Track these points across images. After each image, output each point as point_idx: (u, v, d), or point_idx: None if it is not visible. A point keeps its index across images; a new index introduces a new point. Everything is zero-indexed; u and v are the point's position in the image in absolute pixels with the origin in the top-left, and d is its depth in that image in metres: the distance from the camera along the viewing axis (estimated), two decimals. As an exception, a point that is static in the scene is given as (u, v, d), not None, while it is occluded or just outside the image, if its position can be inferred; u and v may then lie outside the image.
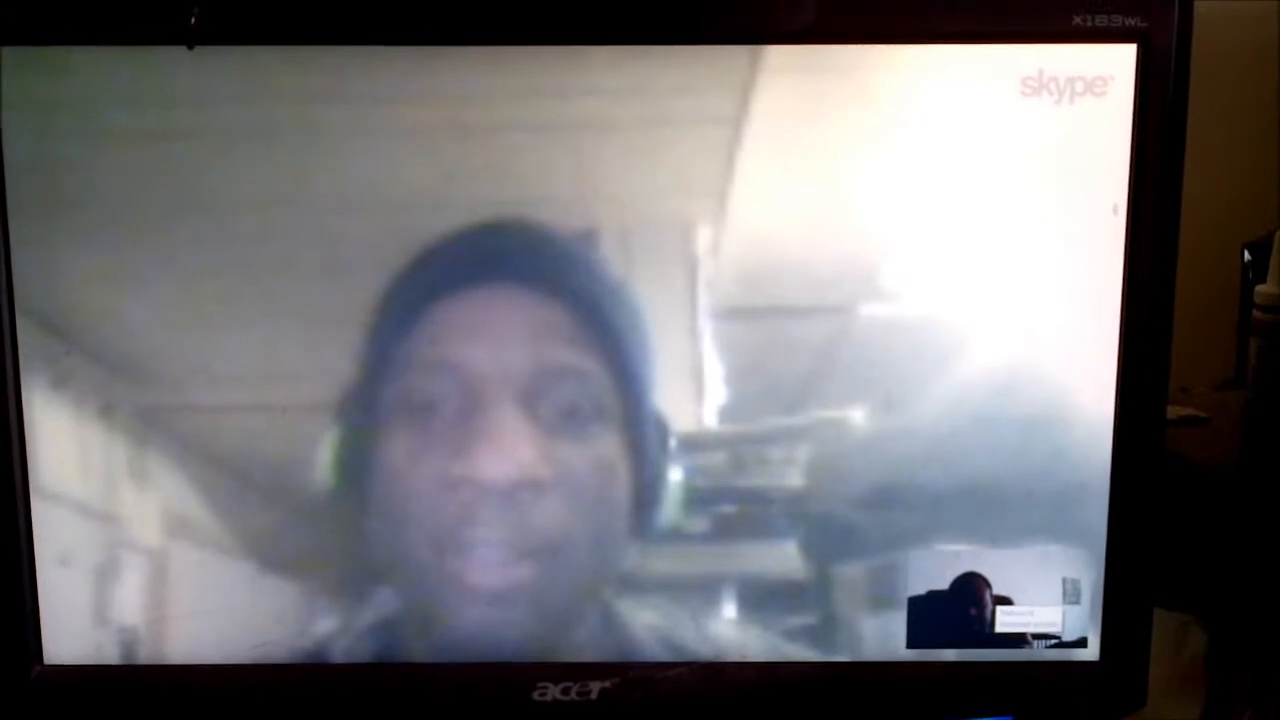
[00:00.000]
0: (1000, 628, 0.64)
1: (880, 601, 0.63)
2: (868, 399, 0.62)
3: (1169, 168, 0.60)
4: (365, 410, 0.61)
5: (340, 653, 0.63)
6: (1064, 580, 0.63)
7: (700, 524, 0.63)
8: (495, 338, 0.61)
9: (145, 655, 0.63)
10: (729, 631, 0.64)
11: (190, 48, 0.58)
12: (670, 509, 0.63)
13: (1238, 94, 0.97)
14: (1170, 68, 0.59)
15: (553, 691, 0.63)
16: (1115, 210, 0.60)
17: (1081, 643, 0.64)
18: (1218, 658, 0.75)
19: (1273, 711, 0.72)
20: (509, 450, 0.61)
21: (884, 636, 0.64)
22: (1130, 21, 0.58)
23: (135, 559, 0.62)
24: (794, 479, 0.62)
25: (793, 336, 0.61)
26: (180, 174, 0.60)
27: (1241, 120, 0.97)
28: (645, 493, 0.62)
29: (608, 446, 0.62)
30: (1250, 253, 0.88)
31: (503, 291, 0.61)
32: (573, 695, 0.63)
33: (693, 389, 0.62)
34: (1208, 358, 0.89)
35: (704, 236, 0.61)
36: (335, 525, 0.63)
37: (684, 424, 0.62)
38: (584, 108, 0.60)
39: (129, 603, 0.63)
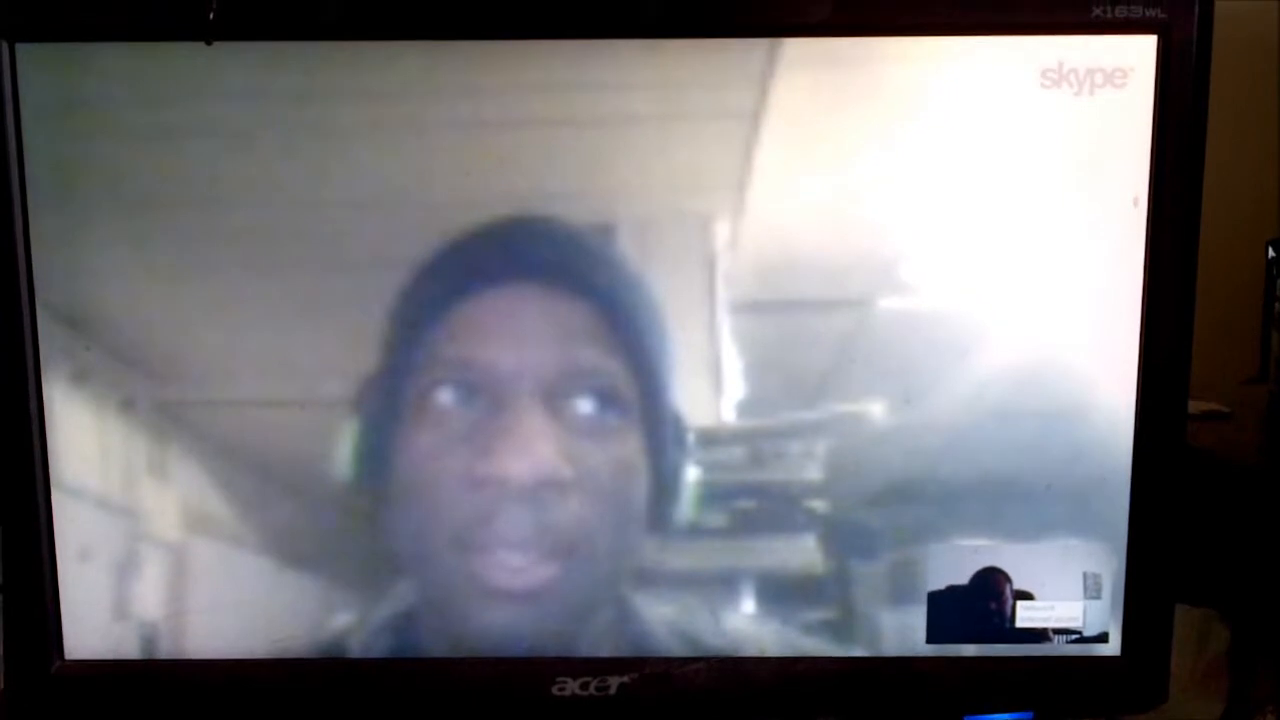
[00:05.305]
0: (1021, 623, 0.63)
1: (900, 596, 0.63)
2: (886, 393, 0.62)
3: (1190, 160, 0.59)
4: (385, 407, 0.61)
5: (359, 648, 0.63)
6: (1085, 575, 0.63)
7: (719, 519, 0.63)
8: (514, 335, 0.61)
9: (165, 650, 0.63)
10: (747, 626, 0.63)
11: (208, 43, 0.58)
12: (689, 504, 0.63)
13: (1261, 89, 0.96)
14: (1191, 59, 0.59)
15: (571, 686, 0.63)
16: (1136, 203, 0.60)
17: (1103, 638, 0.63)
18: (1240, 654, 0.74)
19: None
20: (531, 449, 0.61)
21: (903, 631, 0.63)
22: (1150, 12, 0.58)
23: (155, 554, 0.63)
24: (812, 474, 0.62)
25: (811, 331, 0.61)
26: (198, 170, 0.60)
27: (1265, 116, 0.97)
28: (664, 488, 0.62)
29: (627, 442, 0.62)
30: (1275, 249, 0.88)
31: (521, 288, 0.61)
32: (591, 690, 0.63)
33: (711, 384, 0.62)
34: (1231, 353, 0.88)
35: (722, 231, 0.60)
36: (355, 521, 0.63)
37: (703, 419, 0.62)
38: (601, 102, 0.60)
39: (149, 598, 0.63)
